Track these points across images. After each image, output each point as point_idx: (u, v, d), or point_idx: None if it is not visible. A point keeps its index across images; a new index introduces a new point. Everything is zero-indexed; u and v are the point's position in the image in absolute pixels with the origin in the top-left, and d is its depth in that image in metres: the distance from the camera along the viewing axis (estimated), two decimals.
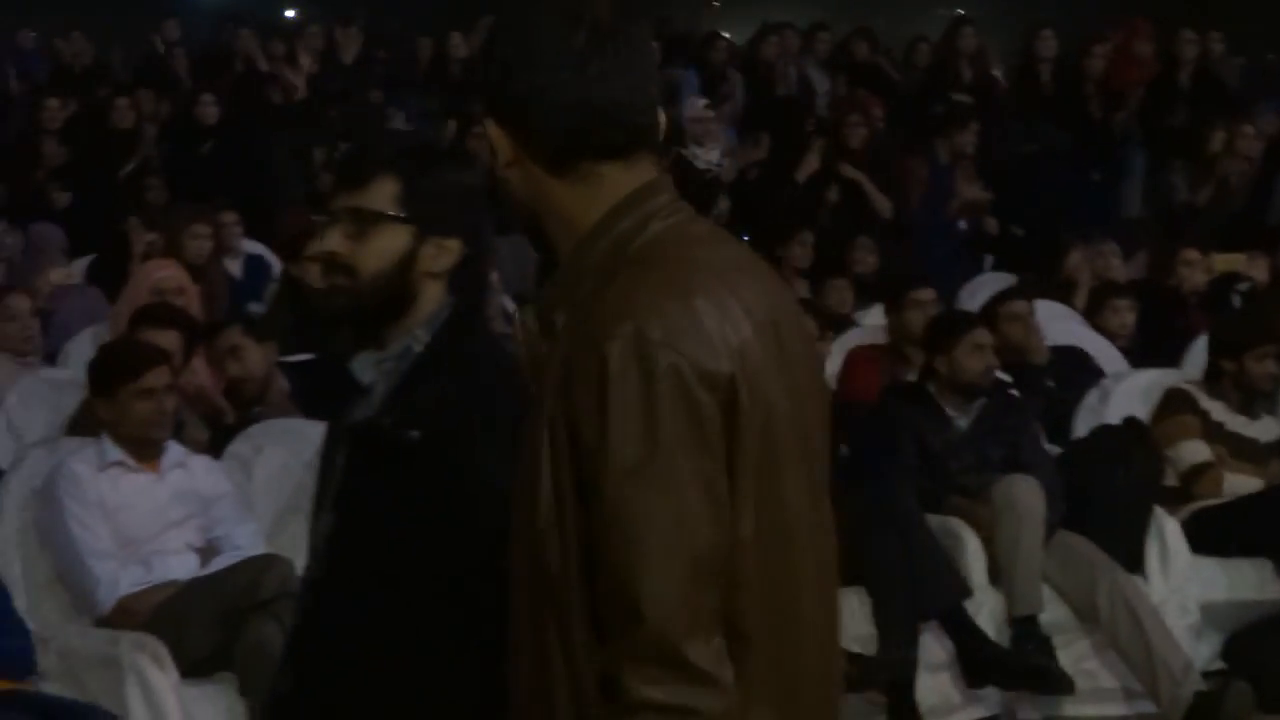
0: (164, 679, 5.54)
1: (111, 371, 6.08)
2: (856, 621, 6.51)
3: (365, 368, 3.23)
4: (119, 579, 5.87)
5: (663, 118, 2.46)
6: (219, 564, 5.96)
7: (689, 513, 2.24)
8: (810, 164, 11.05)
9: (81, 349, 8.12)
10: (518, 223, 2.55)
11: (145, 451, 6.03)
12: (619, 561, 2.24)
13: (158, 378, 6.00)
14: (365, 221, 3.11)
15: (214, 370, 7.08)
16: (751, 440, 2.30)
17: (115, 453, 6.01)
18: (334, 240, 3.13)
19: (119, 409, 5.99)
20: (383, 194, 3.10)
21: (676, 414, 2.24)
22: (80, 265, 9.63)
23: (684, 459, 2.24)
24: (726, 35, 14.77)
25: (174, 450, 6.13)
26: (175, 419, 6.22)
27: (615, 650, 2.25)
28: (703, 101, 12.10)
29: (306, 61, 12.35)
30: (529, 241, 2.60)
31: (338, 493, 3.19)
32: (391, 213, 3.09)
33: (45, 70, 13.09)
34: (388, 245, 3.11)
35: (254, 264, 9.74)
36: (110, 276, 9.18)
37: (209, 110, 11.51)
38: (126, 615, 5.81)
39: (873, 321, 8.87)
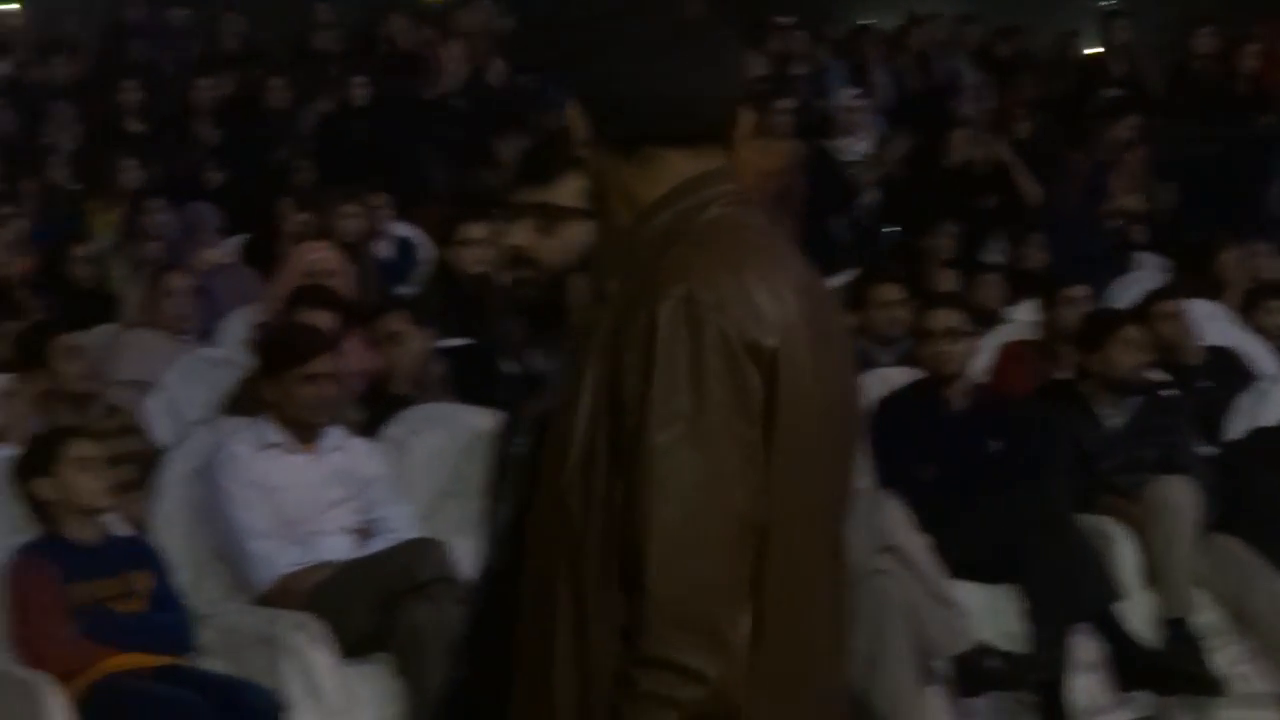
0: (322, 658, 5.61)
1: (278, 354, 6.16)
2: (1008, 619, 6.48)
3: (545, 359, 3.24)
4: (277, 559, 5.95)
5: (746, 114, 2.52)
6: (375, 546, 6.03)
7: (728, 471, 2.28)
8: (958, 154, 10.98)
9: (235, 328, 8.22)
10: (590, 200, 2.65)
11: (305, 433, 6.11)
12: (653, 515, 2.28)
13: (324, 363, 6.08)
14: (552, 217, 3.13)
15: (370, 352, 7.14)
16: (787, 418, 2.33)
17: (275, 434, 6.09)
18: (521, 234, 3.15)
19: (284, 392, 6.06)
20: (569, 189, 3.11)
21: (721, 377, 2.28)
22: (233, 244, 9.72)
23: (726, 421, 2.28)
24: (873, 23, 14.71)
25: (333, 432, 6.20)
26: (338, 403, 6.30)
27: (637, 604, 2.28)
28: (853, 92, 12.06)
29: (458, 46, 12.39)
30: (595, 220, 2.67)
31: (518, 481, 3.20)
32: (579, 208, 3.11)
33: (196, 49, 13.21)
34: (574, 239, 3.13)
35: (403, 247, 9.80)
36: (262, 256, 9.28)
37: (360, 92, 11.59)
38: (285, 595, 5.88)
39: (1023, 317, 8.79)
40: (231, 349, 7.83)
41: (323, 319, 6.79)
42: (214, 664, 5.69)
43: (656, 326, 2.30)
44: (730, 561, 2.27)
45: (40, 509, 5.73)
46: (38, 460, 5.73)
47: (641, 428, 2.29)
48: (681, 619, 2.25)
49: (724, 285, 2.31)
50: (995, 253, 10.33)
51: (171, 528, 6.13)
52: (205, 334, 8.30)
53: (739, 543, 2.28)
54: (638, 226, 2.48)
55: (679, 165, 2.46)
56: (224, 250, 9.52)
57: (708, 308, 2.29)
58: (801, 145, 10.64)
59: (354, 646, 5.75)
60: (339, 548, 6.02)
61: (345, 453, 6.18)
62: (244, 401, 6.54)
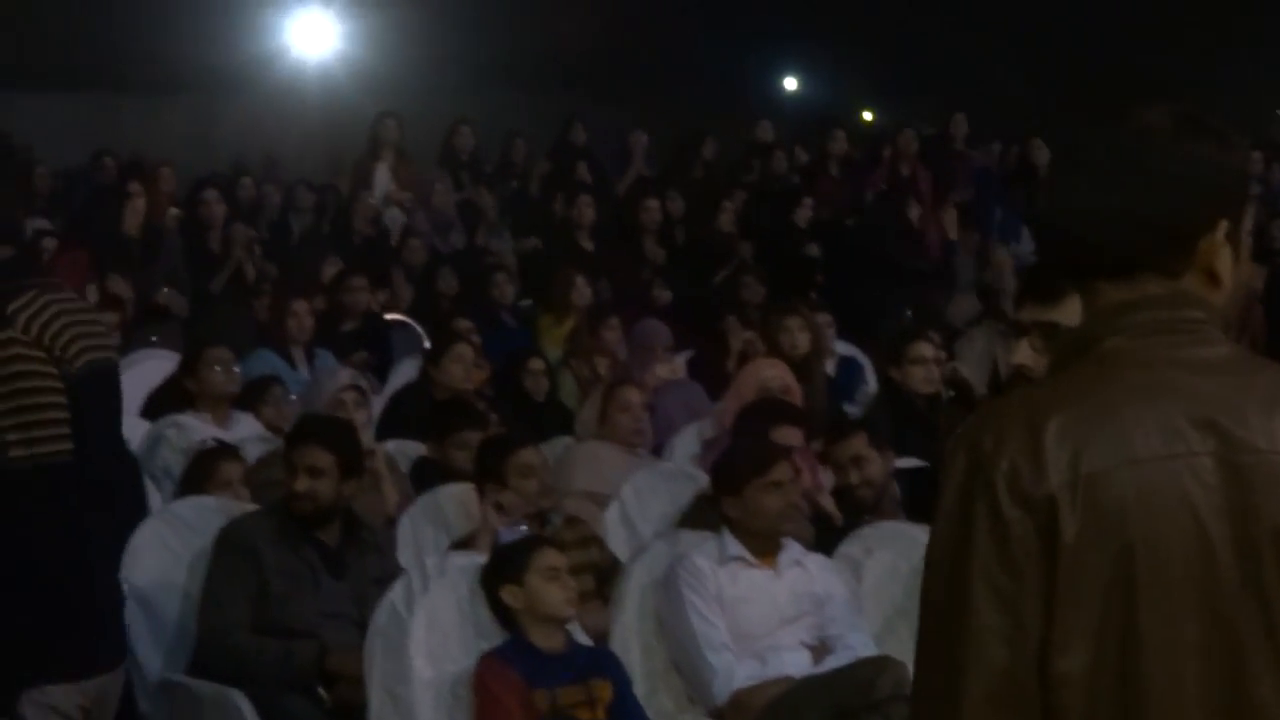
0: None
1: (739, 467, 6.25)
2: None
3: None
4: (735, 672, 6.00)
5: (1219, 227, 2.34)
6: (831, 663, 6.04)
7: (979, 625, 2.19)
8: None
9: (686, 443, 8.36)
10: None
11: (765, 547, 6.17)
12: (917, 667, 2.26)
13: (784, 471, 6.16)
14: (1052, 338, 3.11)
15: (820, 469, 7.18)
16: (1085, 568, 2.19)
17: (736, 547, 6.16)
18: (1024, 354, 3.15)
19: (745, 504, 6.15)
20: (1074, 309, 3.09)
21: (981, 526, 2.20)
22: (681, 360, 9.90)
23: (980, 571, 2.20)
24: None
25: (791, 548, 6.25)
26: (796, 515, 6.36)
27: None
28: None
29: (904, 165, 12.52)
30: None
31: None
32: None
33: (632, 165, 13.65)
34: None
35: (846, 365, 9.85)
36: (708, 373, 9.44)
37: (807, 213, 11.74)
38: (740, 709, 5.92)
39: None
40: (684, 463, 7.96)
41: (789, 435, 6.87)
42: None
43: (945, 463, 2.28)
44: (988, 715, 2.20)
45: (507, 615, 5.89)
46: (506, 569, 5.90)
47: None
48: None
49: (1011, 430, 2.23)
50: None
51: (630, 639, 6.23)
52: (656, 449, 8.45)
53: (1000, 702, 2.19)
54: (1052, 356, 2.46)
55: (1107, 294, 2.34)
56: (674, 367, 9.70)
57: (985, 455, 2.22)
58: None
59: None
60: (796, 663, 6.04)
61: (803, 569, 6.23)
62: (699, 517, 6.64)
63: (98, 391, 4.21)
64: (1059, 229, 2.35)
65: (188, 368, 8.35)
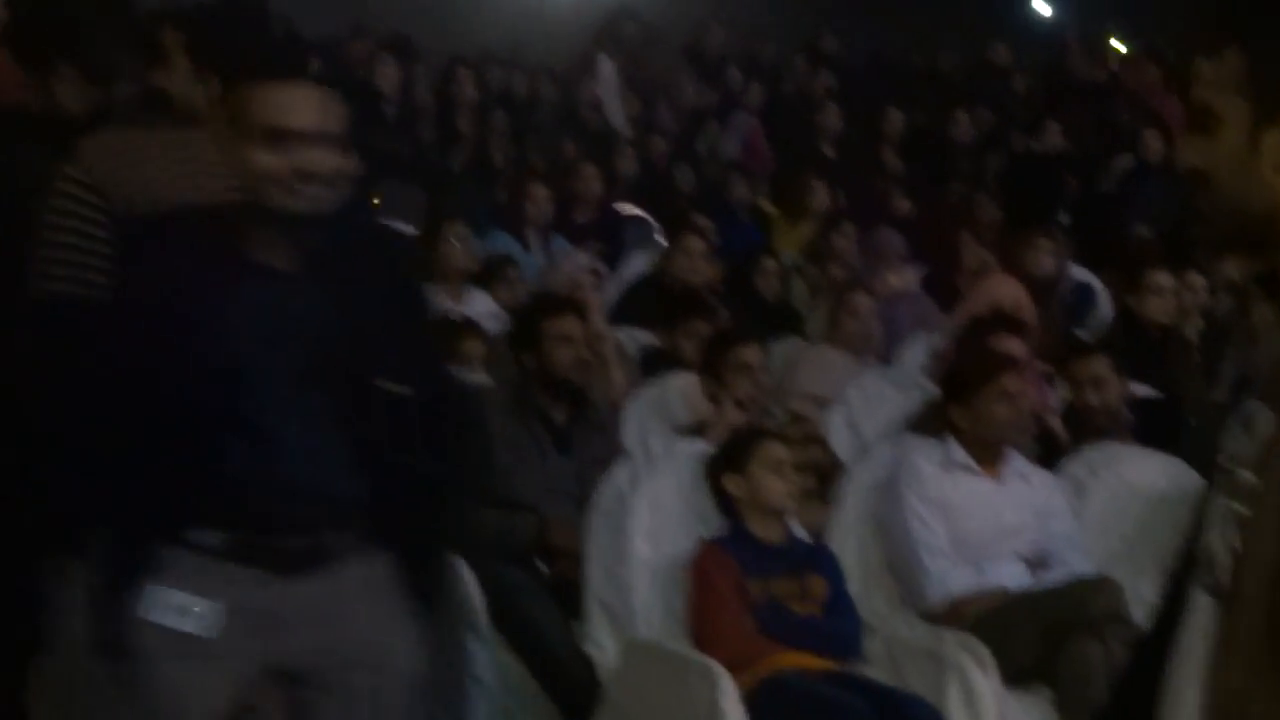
0: (986, 682, 5.61)
1: (968, 374, 6.25)
2: None
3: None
4: (950, 578, 6.01)
5: None
6: (1047, 579, 6.02)
7: None
8: None
9: (915, 354, 8.35)
10: None
11: (989, 456, 6.17)
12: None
13: (1014, 382, 6.14)
14: None
15: (1052, 390, 7.14)
16: None
17: (960, 454, 6.16)
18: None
19: (973, 412, 6.14)
20: None
21: None
22: (914, 273, 9.85)
23: None
24: None
25: (1015, 460, 6.24)
26: (1023, 427, 6.33)
27: None
28: None
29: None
30: None
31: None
32: None
33: (860, 74, 13.54)
34: None
35: (1081, 290, 9.74)
36: (942, 288, 9.39)
37: (1053, 138, 11.59)
38: (953, 615, 5.93)
39: None
40: (911, 372, 7.95)
41: (1010, 345, 6.82)
42: (878, 674, 5.77)
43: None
44: None
45: (728, 504, 5.95)
46: (732, 457, 5.96)
47: None
48: None
49: None
50: None
51: (847, 538, 6.27)
52: (884, 357, 8.44)
53: None
54: None
55: None
56: (906, 277, 9.65)
57: None
58: None
59: (1016, 675, 5.74)
60: (1012, 575, 6.04)
61: (1027, 482, 6.21)
62: (926, 425, 6.63)
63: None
64: None
65: (426, 240, 8.48)
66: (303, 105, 3.58)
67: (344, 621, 3.66)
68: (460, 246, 8.49)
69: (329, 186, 3.59)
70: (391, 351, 3.66)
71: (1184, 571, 3.11)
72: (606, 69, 12.94)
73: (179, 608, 3.55)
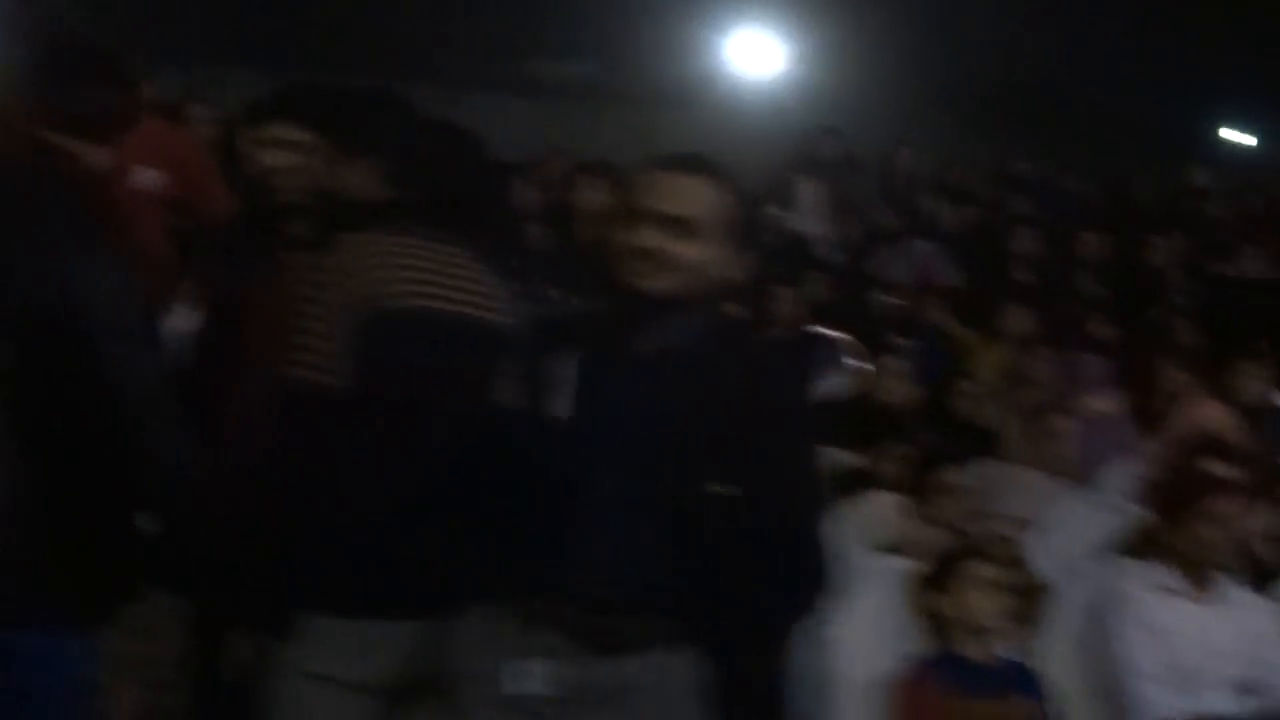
0: None
1: (1178, 497, 6.18)
2: None
3: None
4: (1159, 703, 5.92)
5: None
6: (1258, 706, 5.91)
7: None
8: None
9: (1116, 477, 8.24)
10: None
11: (1200, 580, 6.08)
12: None
13: (1225, 505, 6.06)
14: None
15: (1260, 516, 7.02)
16: None
17: (1169, 577, 6.08)
18: None
19: (1183, 535, 6.07)
20: None
21: None
22: (1113, 397, 9.75)
23: None
24: None
25: (1226, 583, 6.14)
26: (1234, 551, 6.24)
27: None
28: None
29: None
30: None
31: None
32: None
33: (1078, 206, 13.49)
34: None
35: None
36: (1141, 413, 9.28)
37: (1252, 263, 11.46)
38: None
39: None
40: (1112, 496, 7.85)
41: (1219, 468, 6.73)
42: None
43: None
44: None
45: (935, 623, 5.91)
46: (940, 575, 5.92)
47: None
48: None
49: None
50: None
51: (1052, 660, 6.19)
52: (1083, 480, 8.35)
53: None
54: None
55: None
56: (1106, 401, 9.56)
57: None
58: None
59: None
60: (1221, 700, 5.93)
61: (1239, 606, 6.11)
62: (1133, 547, 6.55)
63: (416, 334, 4.07)
64: None
65: None
66: (686, 193, 3.69)
67: (629, 711, 3.68)
68: None
69: (696, 276, 3.70)
70: (727, 449, 3.69)
71: None
72: (807, 192, 13.01)
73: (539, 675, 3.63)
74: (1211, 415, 7.93)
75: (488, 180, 4.78)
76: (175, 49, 12.45)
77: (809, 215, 12.88)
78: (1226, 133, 19.13)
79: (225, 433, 4.14)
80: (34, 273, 3.67)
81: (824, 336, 10.93)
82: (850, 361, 9.97)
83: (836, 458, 8.10)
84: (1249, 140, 18.54)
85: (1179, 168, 14.98)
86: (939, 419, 9.05)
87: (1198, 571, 6.09)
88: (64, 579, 3.67)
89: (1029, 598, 6.63)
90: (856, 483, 7.66)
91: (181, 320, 4.87)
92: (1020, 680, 5.88)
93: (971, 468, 7.88)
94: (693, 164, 3.90)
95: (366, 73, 11.06)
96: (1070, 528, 7.42)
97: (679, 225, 3.72)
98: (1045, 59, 16.37)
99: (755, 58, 17.52)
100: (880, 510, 7.15)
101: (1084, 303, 11.35)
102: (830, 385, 9.64)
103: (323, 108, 4.34)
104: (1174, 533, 6.11)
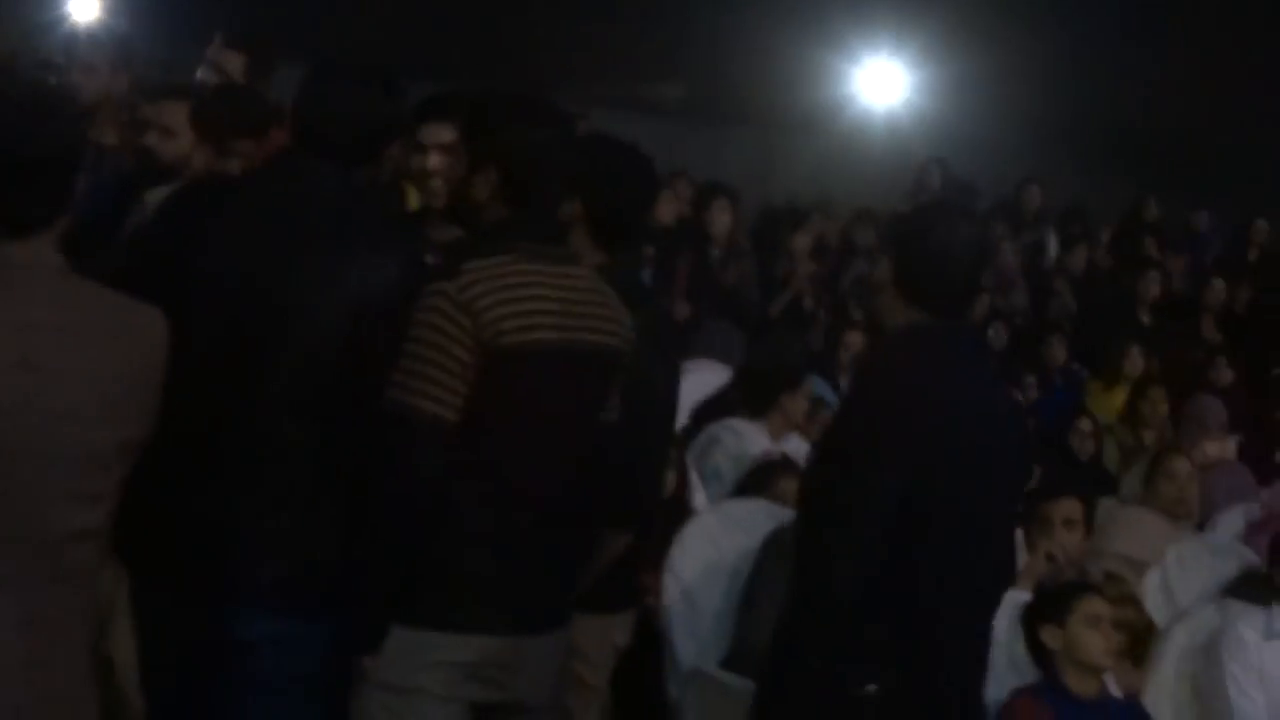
0: None
1: None
2: None
3: None
4: None
5: None
6: None
7: None
8: None
9: (1232, 521, 8.23)
10: None
11: None
12: None
13: None
14: None
15: None
16: None
17: None
18: None
19: None
20: None
21: None
22: (1232, 442, 9.75)
23: None
24: None
25: None
26: None
27: None
28: None
29: None
30: None
31: None
32: None
33: (1214, 252, 13.48)
34: None
35: None
36: (1258, 460, 9.27)
37: None
38: None
39: None
40: (1228, 540, 7.83)
41: None
42: None
43: None
44: None
45: (1042, 655, 5.90)
46: (1050, 609, 5.91)
47: None
48: None
49: None
50: None
51: (1162, 701, 6.18)
52: (1199, 524, 8.34)
53: None
54: None
55: None
56: (1224, 446, 9.54)
57: None
58: None
59: None
60: None
61: None
62: (1247, 592, 6.52)
63: (542, 370, 4.08)
64: None
65: (782, 388, 8.41)
66: None
67: None
68: (806, 402, 8.53)
69: None
70: None
71: None
72: None
73: None
74: None
75: (649, 197, 4.83)
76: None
77: None
78: None
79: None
80: (357, 280, 3.92)
81: None
82: None
83: None
84: None
85: None
86: (1057, 455, 9.05)
87: None
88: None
89: (1140, 637, 6.61)
90: None
91: None
92: (1130, 718, 5.86)
93: (1088, 504, 7.88)
94: None
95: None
96: (1184, 570, 7.40)
97: None
98: (1182, 104, 16.30)
99: (883, 87, 17.55)
100: None
101: (1207, 348, 11.32)
102: None
103: (469, 111, 4.33)
104: None
